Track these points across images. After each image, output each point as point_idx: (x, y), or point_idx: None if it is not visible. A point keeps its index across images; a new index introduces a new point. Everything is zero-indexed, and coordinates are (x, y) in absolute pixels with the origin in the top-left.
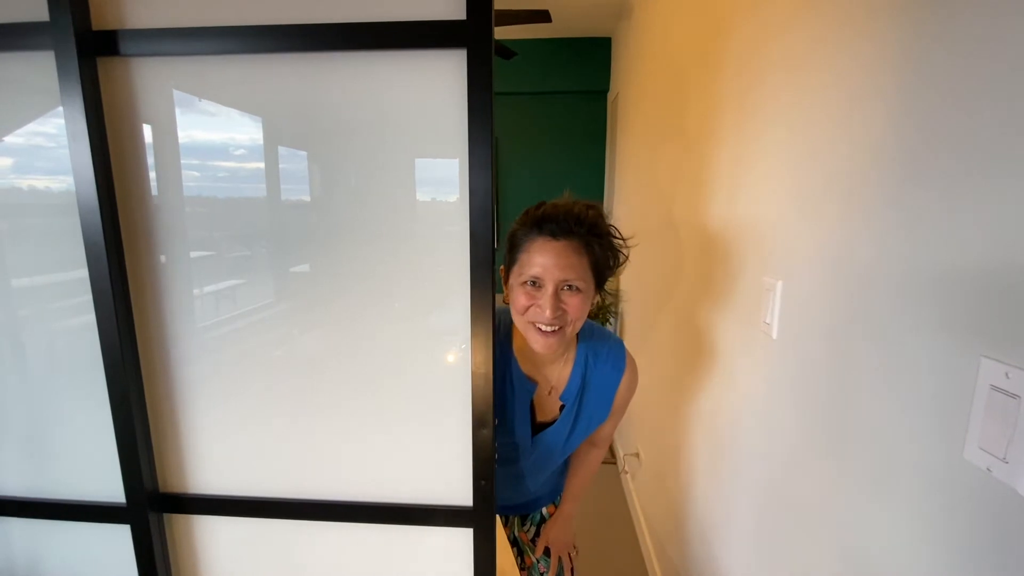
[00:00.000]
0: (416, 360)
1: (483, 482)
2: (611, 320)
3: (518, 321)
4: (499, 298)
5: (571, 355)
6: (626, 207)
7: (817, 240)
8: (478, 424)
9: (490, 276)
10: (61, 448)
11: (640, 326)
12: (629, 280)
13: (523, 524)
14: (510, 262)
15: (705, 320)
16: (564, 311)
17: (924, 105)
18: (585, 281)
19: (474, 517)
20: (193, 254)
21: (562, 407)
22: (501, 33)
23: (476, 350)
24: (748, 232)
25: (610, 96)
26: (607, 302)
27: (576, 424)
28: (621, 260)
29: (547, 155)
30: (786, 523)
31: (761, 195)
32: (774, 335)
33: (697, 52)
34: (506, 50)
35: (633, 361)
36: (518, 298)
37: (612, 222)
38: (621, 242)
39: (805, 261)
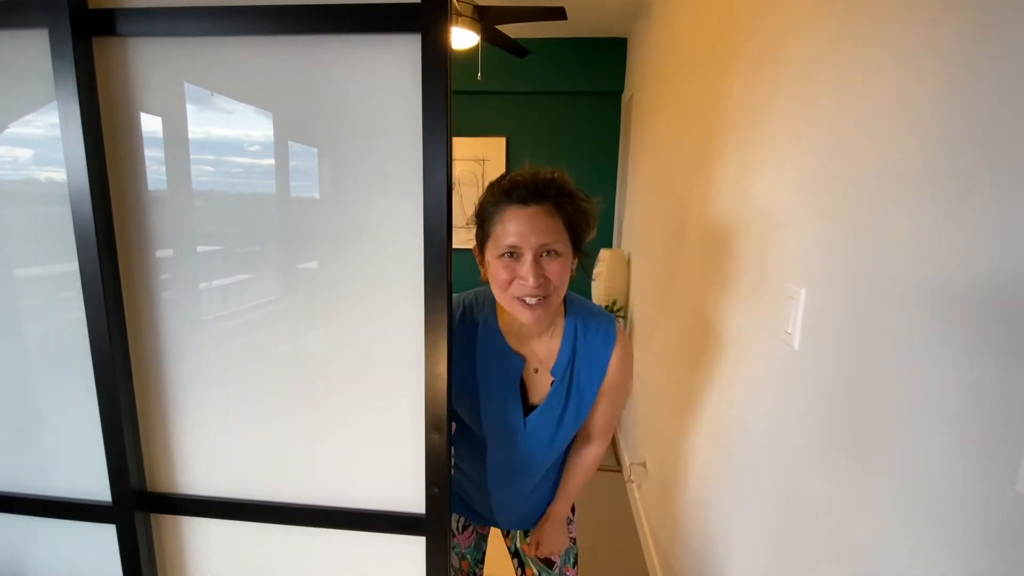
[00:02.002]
0: (380, 362)
1: (436, 489)
2: (620, 321)
3: (502, 298)
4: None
5: (559, 327)
6: (639, 209)
7: (845, 246)
8: (431, 427)
9: (445, 275)
10: (48, 443)
11: (649, 330)
12: (639, 282)
13: (526, 536)
14: (483, 237)
15: (719, 326)
16: (547, 279)
17: (971, 104)
18: (563, 243)
19: (427, 525)
20: (188, 249)
21: (553, 383)
22: (516, 31)
23: (431, 351)
24: (769, 236)
25: (624, 97)
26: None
27: (568, 399)
28: (592, 223)
29: (559, 155)
30: (802, 544)
31: (784, 198)
32: (796, 345)
33: (716, 51)
34: (520, 48)
35: (625, 336)
36: (498, 273)
37: (625, 224)
38: (589, 204)
39: (832, 268)
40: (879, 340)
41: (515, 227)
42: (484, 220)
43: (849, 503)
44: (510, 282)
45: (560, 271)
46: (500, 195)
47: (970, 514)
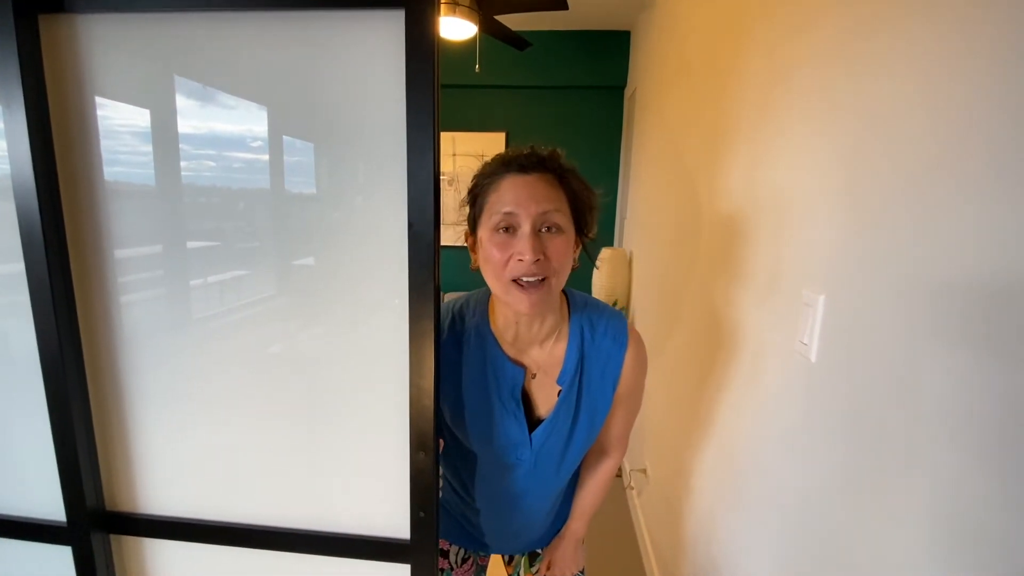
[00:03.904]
0: (362, 375)
1: (422, 513)
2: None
3: (497, 285)
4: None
5: (564, 330)
6: (643, 207)
7: (871, 247)
8: (417, 446)
9: (432, 278)
10: None
11: (652, 332)
12: (641, 282)
13: (531, 564)
14: (475, 214)
15: (728, 333)
16: (546, 257)
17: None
18: (565, 217)
19: (412, 552)
20: (149, 249)
21: (560, 392)
22: (515, 22)
23: (416, 363)
24: (784, 237)
25: (627, 92)
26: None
27: (579, 410)
28: (595, 212)
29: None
30: (819, 574)
31: (801, 196)
32: (813, 357)
33: (727, 40)
34: (520, 40)
35: (637, 335)
36: (492, 253)
37: (627, 220)
38: (591, 193)
39: (855, 272)
40: (913, 354)
41: (512, 194)
42: (477, 196)
43: (876, 535)
44: (506, 263)
45: (561, 250)
46: (497, 166)
47: (1017, 555)
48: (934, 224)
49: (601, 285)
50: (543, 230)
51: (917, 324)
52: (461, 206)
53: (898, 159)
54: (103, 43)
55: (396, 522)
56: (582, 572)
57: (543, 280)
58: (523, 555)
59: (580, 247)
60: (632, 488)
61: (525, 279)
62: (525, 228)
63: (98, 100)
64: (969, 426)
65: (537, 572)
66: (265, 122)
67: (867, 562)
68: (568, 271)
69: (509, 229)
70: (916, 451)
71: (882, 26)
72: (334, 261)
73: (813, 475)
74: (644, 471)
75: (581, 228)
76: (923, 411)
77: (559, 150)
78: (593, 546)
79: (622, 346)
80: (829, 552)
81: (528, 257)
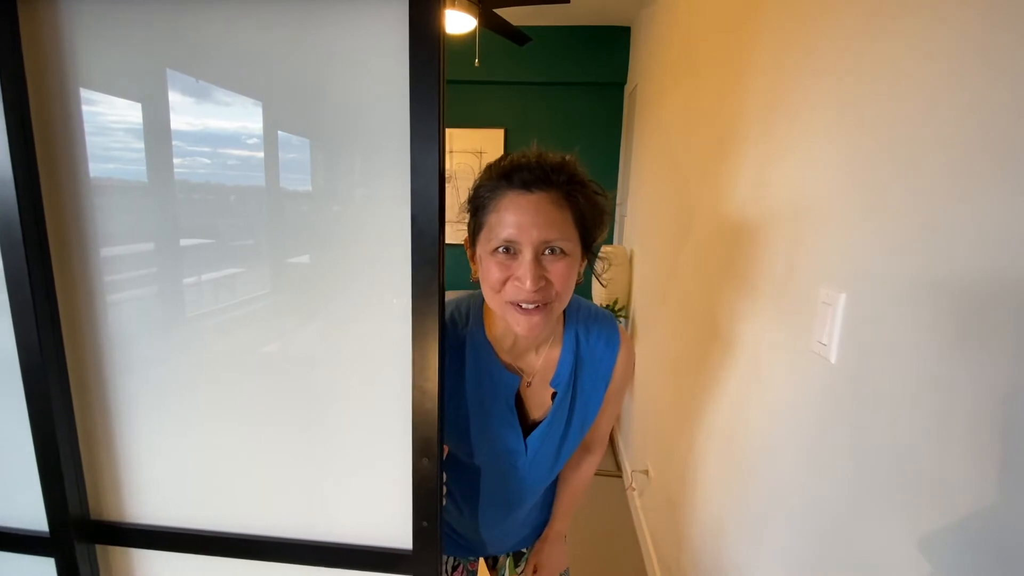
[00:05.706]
0: (361, 377)
1: (425, 523)
2: (621, 321)
3: (493, 301)
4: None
5: (558, 335)
6: (644, 204)
7: (896, 243)
8: (419, 452)
9: (436, 277)
10: None
11: (653, 331)
12: (642, 280)
13: (516, 565)
14: (475, 228)
15: (734, 333)
16: (548, 282)
17: None
18: (570, 241)
19: (414, 563)
20: (137, 247)
21: (554, 395)
22: (515, 17)
23: (419, 364)
24: (800, 233)
25: (627, 88)
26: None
27: (572, 413)
28: (605, 220)
29: (558, 148)
30: None
31: (819, 191)
32: (832, 359)
33: (734, 33)
34: (521, 35)
35: (628, 337)
36: (490, 271)
37: (628, 218)
38: (603, 198)
39: (879, 269)
40: (943, 357)
41: (514, 217)
42: (478, 207)
43: (892, 541)
44: (504, 283)
45: (565, 274)
46: (498, 178)
47: None
48: (963, 221)
49: (601, 285)
50: (546, 252)
51: (944, 324)
52: (460, 211)
53: (921, 154)
54: (89, 29)
55: (397, 532)
56: (567, 572)
57: (545, 304)
58: (507, 556)
59: (585, 263)
60: (634, 489)
61: (524, 304)
62: (526, 254)
63: (83, 93)
64: (1004, 430)
65: (522, 574)
66: (261, 114)
67: (881, 569)
68: (571, 292)
69: (509, 250)
70: (943, 454)
71: (897, 19)
72: (333, 258)
73: (827, 478)
74: (646, 472)
75: (587, 245)
76: (951, 414)
77: (569, 157)
78: (593, 547)
79: (614, 349)
80: (842, 558)
81: (529, 285)
